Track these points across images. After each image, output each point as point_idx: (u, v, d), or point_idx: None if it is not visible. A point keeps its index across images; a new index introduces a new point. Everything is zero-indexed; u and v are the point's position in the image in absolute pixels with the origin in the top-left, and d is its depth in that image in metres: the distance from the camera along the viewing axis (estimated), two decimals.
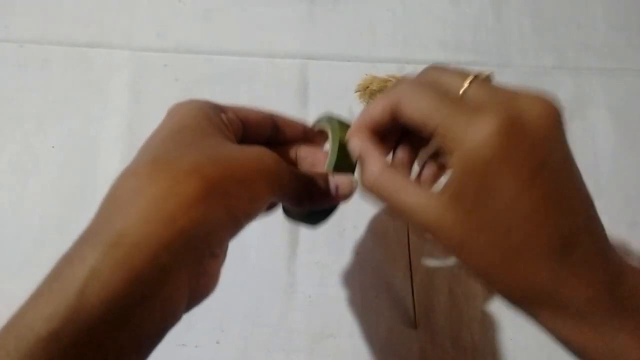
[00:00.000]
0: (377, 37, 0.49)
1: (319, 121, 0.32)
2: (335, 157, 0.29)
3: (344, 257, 0.42)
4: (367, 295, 0.41)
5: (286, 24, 0.49)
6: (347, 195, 0.28)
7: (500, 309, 0.41)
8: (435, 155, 0.30)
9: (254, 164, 0.22)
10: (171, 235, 0.19)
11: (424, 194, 0.24)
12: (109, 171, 0.44)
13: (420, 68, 0.41)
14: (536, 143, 0.22)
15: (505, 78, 0.48)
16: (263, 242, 0.43)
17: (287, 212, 0.30)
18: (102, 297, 0.18)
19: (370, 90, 0.41)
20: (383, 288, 0.42)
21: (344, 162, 0.29)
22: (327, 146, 0.30)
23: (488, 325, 0.41)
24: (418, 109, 0.24)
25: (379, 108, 0.26)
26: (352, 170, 0.29)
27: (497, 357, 0.40)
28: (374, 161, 0.26)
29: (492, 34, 0.50)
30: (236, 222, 0.21)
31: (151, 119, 0.48)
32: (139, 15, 0.49)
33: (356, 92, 0.43)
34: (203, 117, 0.24)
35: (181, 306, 0.20)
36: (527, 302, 0.23)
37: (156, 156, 0.22)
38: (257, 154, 0.23)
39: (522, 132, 0.22)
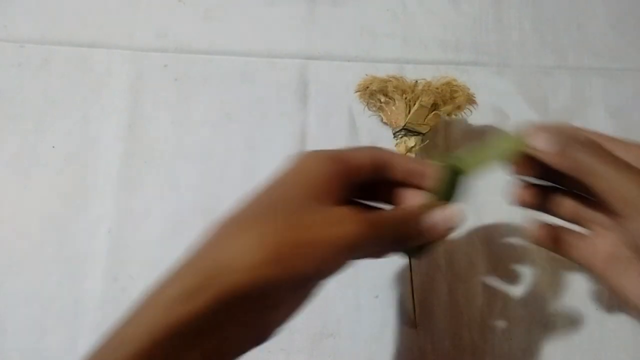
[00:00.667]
0: (377, 37, 0.49)
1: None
2: (445, 188, 0.28)
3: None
4: (367, 295, 0.41)
5: (286, 24, 0.49)
6: (443, 235, 0.28)
7: (500, 310, 0.41)
8: None
9: (332, 231, 0.24)
10: (237, 290, 0.22)
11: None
12: (109, 171, 0.44)
13: (420, 68, 0.41)
14: None
15: (505, 78, 0.48)
16: None
17: None
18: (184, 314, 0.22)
19: (370, 91, 0.41)
20: (383, 288, 0.42)
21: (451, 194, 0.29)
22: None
23: (488, 325, 0.41)
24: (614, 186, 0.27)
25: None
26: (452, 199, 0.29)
27: (497, 357, 0.40)
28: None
29: (492, 34, 0.50)
30: (300, 282, 0.24)
31: (151, 119, 0.48)
32: (139, 15, 0.49)
33: (356, 92, 0.43)
34: (314, 175, 0.26)
35: (233, 347, 0.24)
36: None
37: (250, 212, 0.26)
38: (338, 219, 0.25)
39: None
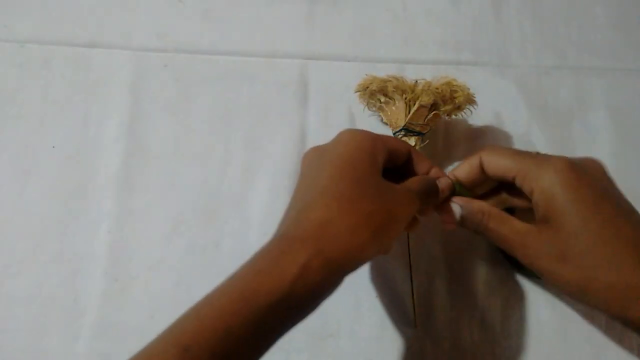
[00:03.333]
0: (377, 37, 0.49)
1: None
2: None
3: None
4: (367, 295, 0.41)
5: (286, 24, 0.49)
6: (444, 186, 0.35)
7: (499, 310, 0.41)
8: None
9: (410, 208, 0.30)
10: (348, 262, 0.27)
11: (522, 224, 0.32)
12: (109, 171, 0.44)
13: (420, 68, 0.41)
14: (595, 179, 0.31)
15: (505, 78, 0.48)
16: (263, 243, 0.42)
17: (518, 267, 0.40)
18: (307, 286, 0.25)
19: (370, 90, 0.41)
20: (383, 288, 0.42)
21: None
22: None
23: (488, 325, 0.41)
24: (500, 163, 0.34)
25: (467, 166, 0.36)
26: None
27: (496, 357, 0.40)
28: (480, 203, 0.35)
29: (492, 34, 0.50)
30: (379, 252, 0.29)
31: (151, 119, 0.48)
32: (139, 15, 0.49)
33: (356, 92, 0.43)
34: (366, 150, 0.31)
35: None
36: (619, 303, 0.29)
37: (341, 194, 0.28)
38: (409, 197, 0.30)
39: (583, 172, 0.31)
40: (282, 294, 0.24)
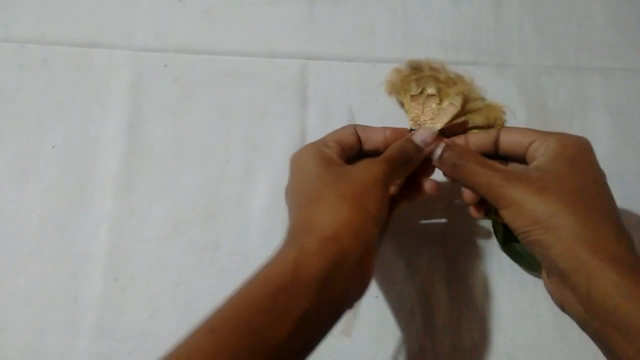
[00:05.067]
0: (377, 37, 0.49)
1: None
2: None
3: None
4: (367, 295, 0.41)
5: (286, 24, 0.49)
6: (426, 141, 0.36)
7: (499, 309, 0.41)
8: None
9: (371, 176, 0.32)
10: (353, 244, 0.29)
11: (503, 165, 0.35)
12: (109, 171, 0.44)
13: None
14: (591, 155, 0.33)
15: (505, 78, 0.48)
16: (263, 243, 0.43)
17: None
18: (309, 270, 0.27)
19: (407, 77, 0.40)
20: (383, 288, 0.42)
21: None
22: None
23: (488, 325, 0.41)
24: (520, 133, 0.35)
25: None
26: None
27: (496, 357, 0.40)
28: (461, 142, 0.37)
29: (492, 34, 0.50)
30: (375, 219, 0.30)
31: (151, 119, 0.48)
32: (139, 15, 0.49)
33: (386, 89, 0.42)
34: (316, 156, 0.34)
35: (354, 291, 0.30)
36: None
37: (317, 191, 0.31)
38: (367, 167, 0.32)
39: (584, 147, 0.34)
40: (288, 276, 0.27)
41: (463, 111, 0.39)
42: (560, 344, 0.40)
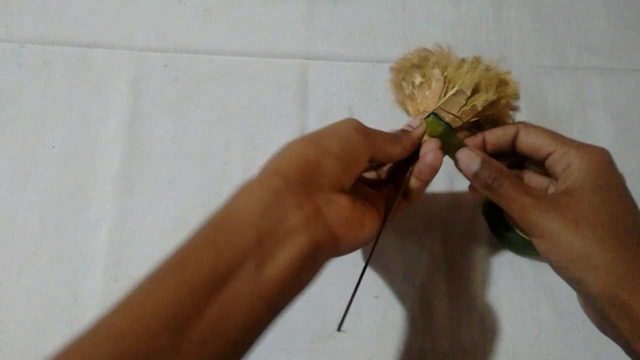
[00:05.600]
0: (377, 37, 0.49)
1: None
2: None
3: (344, 257, 0.42)
4: (367, 295, 0.41)
5: (286, 24, 0.49)
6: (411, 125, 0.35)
7: (500, 309, 0.41)
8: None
9: (343, 124, 0.32)
10: (299, 176, 0.28)
11: (537, 190, 0.34)
12: (109, 171, 0.44)
13: None
14: (616, 172, 0.32)
15: None
16: None
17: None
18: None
19: (409, 64, 0.38)
20: (383, 288, 0.42)
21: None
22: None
23: (488, 325, 0.41)
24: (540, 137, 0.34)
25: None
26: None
27: (496, 357, 0.40)
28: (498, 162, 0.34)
29: (492, 34, 0.50)
30: (336, 158, 0.29)
31: (151, 119, 0.48)
32: (139, 15, 0.49)
33: (394, 68, 0.39)
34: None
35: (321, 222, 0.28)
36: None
37: (308, 137, 0.31)
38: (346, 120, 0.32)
39: (608, 163, 0.32)
40: (223, 214, 0.26)
41: (472, 99, 0.35)
42: (560, 344, 0.40)
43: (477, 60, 0.36)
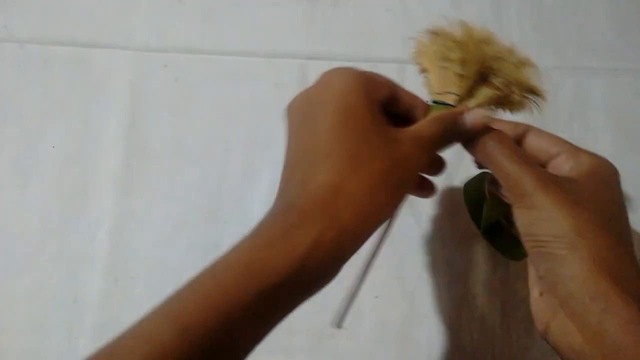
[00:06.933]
0: (377, 37, 0.49)
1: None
2: None
3: None
4: (367, 295, 0.41)
5: (286, 24, 0.49)
6: (477, 121, 0.31)
7: (499, 310, 0.41)
8: None
9: (422, 159, 0.28)
10: (365, 230, 0.26)
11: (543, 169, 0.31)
12: (109, 171, 0.44)
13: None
14: (620, 190, 0.32)
15: None
16: None
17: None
18: (319, 261, 0.24)
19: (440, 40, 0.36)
20: (383, 288, 0.42)
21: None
22: None
23: (488, 325, 0.41)
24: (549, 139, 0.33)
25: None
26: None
27: (496, 357, 0.40)
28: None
29: None
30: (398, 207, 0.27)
31: (151, 119, 0.48)
32: (139, 15, 0.49)
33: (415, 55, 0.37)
34: (361, 92, 0.27)
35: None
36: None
37: (349, 153, 0.26)
38: (421, 146, 0.28)
39: (616, 172, 0.32)
40: (292, 270, 0.23)
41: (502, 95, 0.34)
42: None
43: (521, 63, 0.36)
